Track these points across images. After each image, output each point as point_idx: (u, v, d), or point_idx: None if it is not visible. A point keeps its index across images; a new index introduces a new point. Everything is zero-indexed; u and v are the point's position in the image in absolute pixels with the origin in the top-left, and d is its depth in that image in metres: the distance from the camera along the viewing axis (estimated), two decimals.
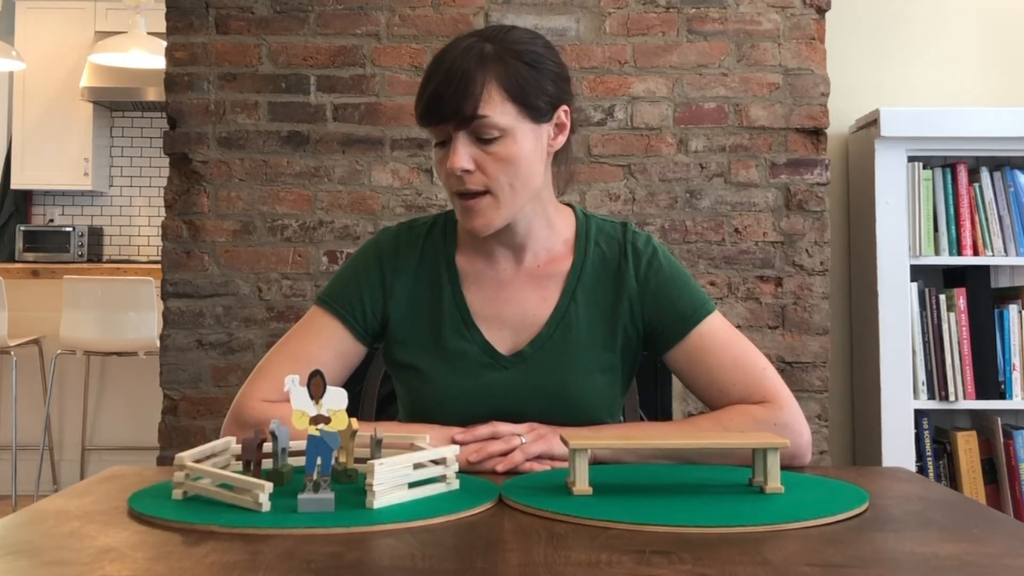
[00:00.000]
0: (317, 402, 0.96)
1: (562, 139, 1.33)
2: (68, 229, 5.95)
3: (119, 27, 5.38)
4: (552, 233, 1.37)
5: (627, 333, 1.35)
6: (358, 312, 1.35)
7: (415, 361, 1.34)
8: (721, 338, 1.33)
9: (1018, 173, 2.70)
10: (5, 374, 4.38)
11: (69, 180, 5.99)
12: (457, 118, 1.23)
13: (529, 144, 1.27)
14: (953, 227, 2.69)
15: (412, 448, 1.12)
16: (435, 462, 1.06)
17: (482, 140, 1.24)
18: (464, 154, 1.24)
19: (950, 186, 2.70)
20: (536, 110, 1.28)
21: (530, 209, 1.32)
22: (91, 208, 6.31)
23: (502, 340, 1.33)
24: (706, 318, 1.33)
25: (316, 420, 0.95)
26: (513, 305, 1.34)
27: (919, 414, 2.65)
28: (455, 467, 1.06)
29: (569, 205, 1.42)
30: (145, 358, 4.22)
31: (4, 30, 5.78)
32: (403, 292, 1.36)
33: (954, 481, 2.66)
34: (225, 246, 2.64)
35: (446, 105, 1.23)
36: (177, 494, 1.01)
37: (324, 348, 1.33)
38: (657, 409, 2.47)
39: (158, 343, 2.77)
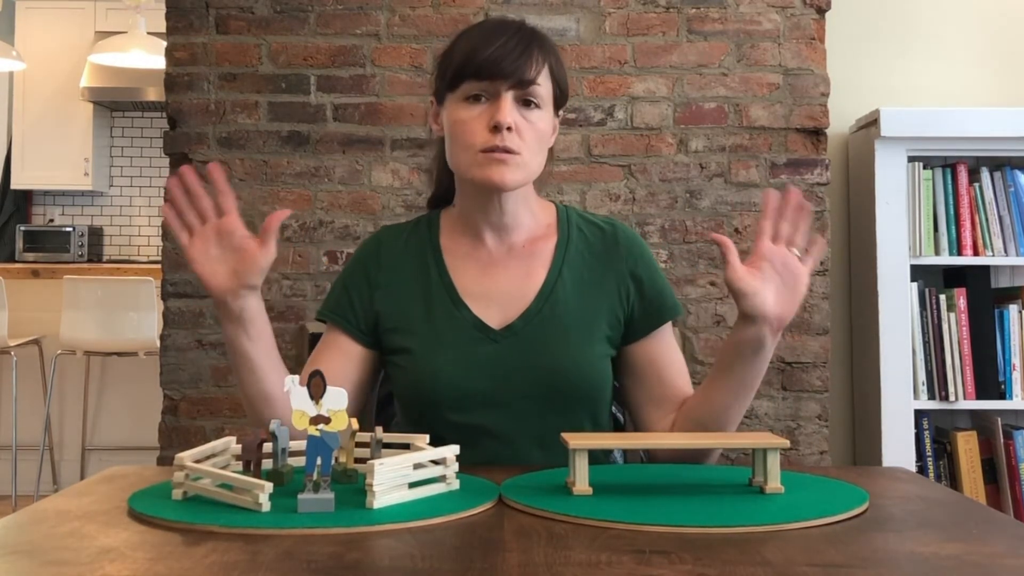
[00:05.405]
0: (317, 402, 0.96)
1: (554, 138, 1.40)
2: (68, 229, 5.95)
3: (119, 27, 5.38)
4: (535, 222, 1.42)
5: (615, 312, 1.38)
6: (350, 314, 1.39)
7: (407, 343, 1.36)
8: (673, 341, 1.43)
9: (1018, 173, 2.70)
10: (5, 374, 4.38)
11: (69, 180, 5.99)
12: (516, 78, 1.29)
13: (548, 126, 1.35)
14: (953, 227, 2.69)
15: (412, 448, 1.12)
16: (435, 462, 1.06)
17: (524, 107, 1.30)
18: (511, 113, 1.29)
19: (950, 186, 2.70)
20: (560, 99, 1.38)
21: (519, 192, 1.36)
22: (91, 208, 6.31)
23: (491, 315, 1.36)
24: (675, 317, 1.41)
25: (316, 420, 0.95)
26: (501, 282, 1.37)
27: (919, 414, 2.65)
28: (455, 467, 1.06)
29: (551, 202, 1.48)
30: (145, 358, 4.22)
31: (4, 30, 5.78)
32: (389, 283, 1.40)
33: (954, 481, 2.66)
34: None
35: (511, 63, 1.28)
36: (177, 494, 1.01)
37: (329, 358, 1.38)
38: None
39: (158, 343, 2.77)
